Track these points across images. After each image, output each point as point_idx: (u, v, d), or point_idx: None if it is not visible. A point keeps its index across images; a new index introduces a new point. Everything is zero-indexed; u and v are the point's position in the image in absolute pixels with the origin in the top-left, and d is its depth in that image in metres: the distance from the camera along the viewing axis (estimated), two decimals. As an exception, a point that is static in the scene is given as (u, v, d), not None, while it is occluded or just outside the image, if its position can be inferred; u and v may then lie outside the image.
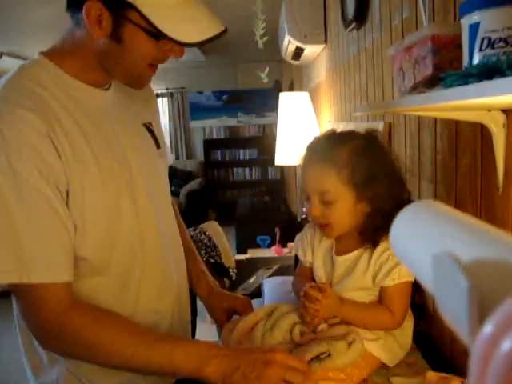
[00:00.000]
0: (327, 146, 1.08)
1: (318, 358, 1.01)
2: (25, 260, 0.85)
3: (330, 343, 1.02)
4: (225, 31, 0.95)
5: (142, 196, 1.05)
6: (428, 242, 0.31)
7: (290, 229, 5.24)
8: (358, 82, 2.06)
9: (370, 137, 1.10)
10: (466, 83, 0.50)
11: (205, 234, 2.51)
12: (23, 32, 4.98)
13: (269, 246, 4.36)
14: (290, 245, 3.80)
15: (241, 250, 4.72)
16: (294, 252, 3.51)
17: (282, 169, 7.85)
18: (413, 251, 0.33)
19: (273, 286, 1.61)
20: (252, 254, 4.01)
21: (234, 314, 1.29)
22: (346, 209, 1.06)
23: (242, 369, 0.90)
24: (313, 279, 1.23)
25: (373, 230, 1.07)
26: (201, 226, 2.59)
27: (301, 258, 1.26)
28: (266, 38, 2.36)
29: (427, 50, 0.79)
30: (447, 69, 0.75)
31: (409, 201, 1.11)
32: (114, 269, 1.00)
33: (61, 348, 0.94)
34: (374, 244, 1.08)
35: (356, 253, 1.12)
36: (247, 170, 8.31)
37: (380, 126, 1.60)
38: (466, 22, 0.60)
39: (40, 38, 5.09)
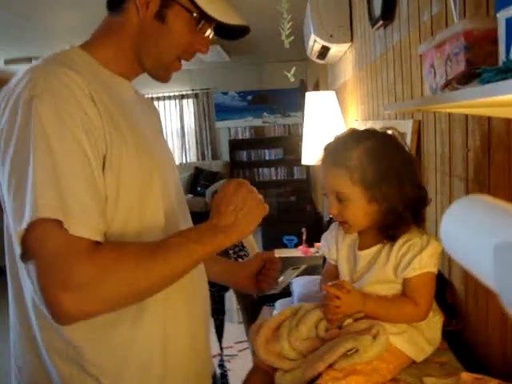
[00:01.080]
0: (341, 148, 1.13)
1: (345, 354, 1.02)
2: (66, 204, 0.80)
3: (356, 339, 1.02)
4: (249, 29, 1.05)
5: (170, 182, 1.08)
6: (486, 234, 0.31)
7: (317, 229, 5.24)
8: (385, 80, 2.04)
9: (383, 137, 1.15)
10: (505, 78, 0.49)
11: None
12: (52, 37, 5.08)
13: (295, 246, 4.35)
14: (316, 245, 3.78)
15: (267, 249, 4.71)
16: (321, 252, 3.51)
17: (307, 168, 7.83)
18: (467, 244, 0.32)
19: (302, 286, 1.62)
20: (279, 253, 4.01)
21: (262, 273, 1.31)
22: (359, 208, 1.11)
23: (238, 212, 0.97)
24: (338, 277, 1.25)
25: (387, 228, 1.11)
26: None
27: (326, 255, 1.31)
28: (291, 38, 2.36)
29: (460, 46, 0.78)
30: (480, 65, 0.73)
31: (425, 200, 1.13)
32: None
33: (100, 297, 0.83)
34: (392, 239, 1.12)
35: (378, 247, 1.15)
36: (273, 170, 8.32)
37: (409, 124, 1.59)
38: (502, 15, 0.59)
39: (68, 43, 5.19)
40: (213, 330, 1.68)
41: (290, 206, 6.36)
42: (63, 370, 0.95)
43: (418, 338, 1.12)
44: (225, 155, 8.52)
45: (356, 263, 1.19)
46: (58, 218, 0.79)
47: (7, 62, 6.04)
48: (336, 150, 1.13)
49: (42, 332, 0.94)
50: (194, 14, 0.99)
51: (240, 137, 8.40)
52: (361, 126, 2.53)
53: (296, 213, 5.86)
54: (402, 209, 1.08)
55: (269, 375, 1.16)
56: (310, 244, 4.07)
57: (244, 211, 0.98)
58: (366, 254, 1.17)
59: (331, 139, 1.19)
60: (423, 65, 1.01)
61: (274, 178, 8.35)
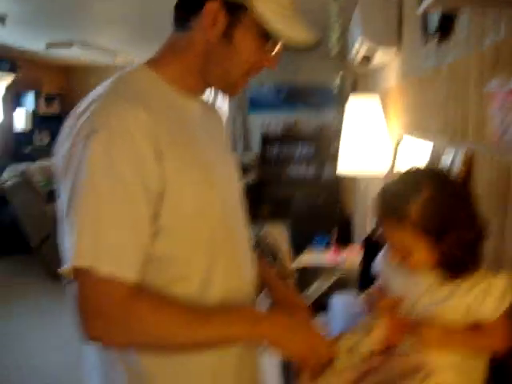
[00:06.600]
0: (398, 201, 1.09)
1: None
2: (100, 249, 0.86)
3: None
4: (321, 41, 1.04)
5: (230, 207, 1.10)
6: None
7: (346, 230, 5.19)
8: (434, 97, 1.98)
9: (440, 180, 1.10)
10: None
11: (268, 238, 2.51)
12: (92, 22, 5.09)
13: (325, 248, 4.31)
14: (346, 250, 3.74)
15: (295, 249, 4.68)
16: (349, 262, 3.46)
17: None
18: None
19: (340, 307, 1.58)
20: (308, 255, 3.99)
21: None
22: (424, 255, 1.09)
23: (289, 331, 1.03)
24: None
25: (447, 268, 1.08)
26: (263, 231, 2.57)
27: (375, 271, 1.31)
28: (340, 42, 2.32)
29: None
30: None
31: (483, 237, 1.09)
32: (196, 268, 1.01)
33: (123, 338, 0.93)
34: (453, 276, 1.08)
35: (436, 276, 1.11)
36: (303, 166, 8.26)
37: (457, 156, 1.50)
38: None
39: (107, 28, 5.22)
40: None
41: (319, 205, 6.31)
42: (128, 373, 1.02)
43: (463, 375, 1.09)
44: (255, 148, 8.49)
45: (412, 283, 1.16)
46: (88, 267, 0.86)
47: (48, 45, 6.11)
48: (394, 204, 1.10)
49: None
50: (263, 33, 0.97)
51: (272, 131, 8.36)
52: (404, 138, 2.49)
53: (325, 212, 5.81)
54: (463, 253, 1.06)
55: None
56: (340, 246, 4.03)
57: (297, 337, 1.04)
58: (427, 277, 1.13)
59: (383, 187, 1.16)
60: (492, 103, 0.97)
61: (303, 175, 8.29)
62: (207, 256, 1.02)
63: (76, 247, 0.86)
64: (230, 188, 1.13)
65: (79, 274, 0.88)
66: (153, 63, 1.03)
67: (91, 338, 0.92)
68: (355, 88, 5.49)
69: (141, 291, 0.92)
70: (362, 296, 1.37)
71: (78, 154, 0.88)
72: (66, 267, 0.87)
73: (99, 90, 0.97)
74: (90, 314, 0.89)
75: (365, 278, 2.20)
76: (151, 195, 0.91)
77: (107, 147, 0.86)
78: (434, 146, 1.87)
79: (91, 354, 1.09)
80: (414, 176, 1.14)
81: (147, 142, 0.90)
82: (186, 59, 1.02)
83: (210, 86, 1.08)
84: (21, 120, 7.45)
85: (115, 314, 0.89)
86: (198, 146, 1.03)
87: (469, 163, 1.45)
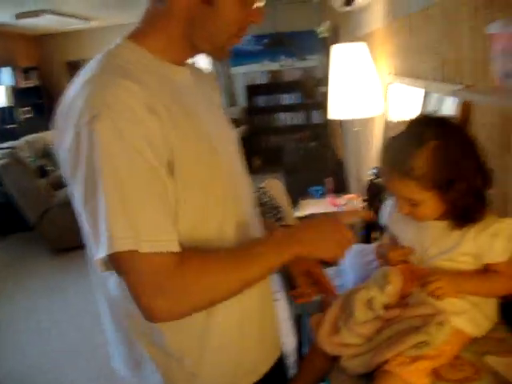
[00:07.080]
0: (403, 155, 1.08)
1: (414, 345, 1.03)
2: (136, 228, 0.84)
3: (428, 332, 1.03)
4: None
5: (234, 169, 1.10)
6: None
7: (341, 178, 5.19)
8: (426, 37, 1.95)
9: (444, 129, 1.09)
10: None
11: (266, 194, 2.51)
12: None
13: (321, 197, 4.33)
14: (345, 196, 3.77)
15: (292, 199, 4.70)
16: (349, 205, 3.50)
17: (326, 113, 7.71)
18: None
19: (352, 256, 1.59)
20: (305, 205, 4.01)
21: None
22: (432, 206, 1.10)
23: (320, 232, 1.03)
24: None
25: (457, 217, 1.10)
26: (262, 185, 2.56)
27: (384, 222, 1.32)
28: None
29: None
30: None
31: (490, 184, 1.11)
32: (208, 233, 1.01)
33: (187, 306, 0.92)
34: (461, 224, 1.10)
35: (446, 223, 1.13)
36: (291, 114, 8.20)
37: (454, 103, 1.48)
38: None
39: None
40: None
41: (311, 152, 6.27)
42: (150, 350, 1.04)
43: (477, 315, 1.13)
44: (242, 101, 8.39)
45: (421, 232, 1.18)
46: (130, 249, 0.83)
47: (18, 16, 5.91)
48: (399, 158, 1.09)
49: (128, 318, 1.03)
50: None
51: (257, 82, 8.24)
52: (395, 81, 2.46)
53: (318, 160, 5.79)
54: (473, 201, 1.07)
55: (327, 356, 1.18)
56: (336, 193, 4.05)
57: (326, 235, 1.02)
58: (436, 226, 1.15)
59: (388, 140, 1.15)
60: (492, 45, 0.96)
61: (292, 123, 8.25)
62: (219, 220, 1.02)
63: (111, 233, 0.83)
64: (231, 150, 1.13)
65: (121, 260, 0.85)
66: (135, 37, 1.00)
67: (158, 320, 0.91)
68: (338, 33, 5.37)
69: (183, 256, 0.90)
70: (373, 247, 1.39)
71: (84, 142, 0.85)
72: (100, 257, 0.84)
73: (88, 71, 0.93)
74: (148, 297, 0.86)
75: (370, 223, 2.22)
76: (165, 165, 0.90)
77: (113, 127, 0.84)
78: (426, 92, 1.85)
79: (111, 331, 1.11)
80: (417, 127, 1.12)
81: (148, 113, 0.88)
82: (168, 29, 0.98)
83: (198, 52, 1.04)
84: (1, 97, 7.29)
85: (171, 287, 0.88)
86: (195, 115, 1.01)
87: (466, 110, 1.42)
